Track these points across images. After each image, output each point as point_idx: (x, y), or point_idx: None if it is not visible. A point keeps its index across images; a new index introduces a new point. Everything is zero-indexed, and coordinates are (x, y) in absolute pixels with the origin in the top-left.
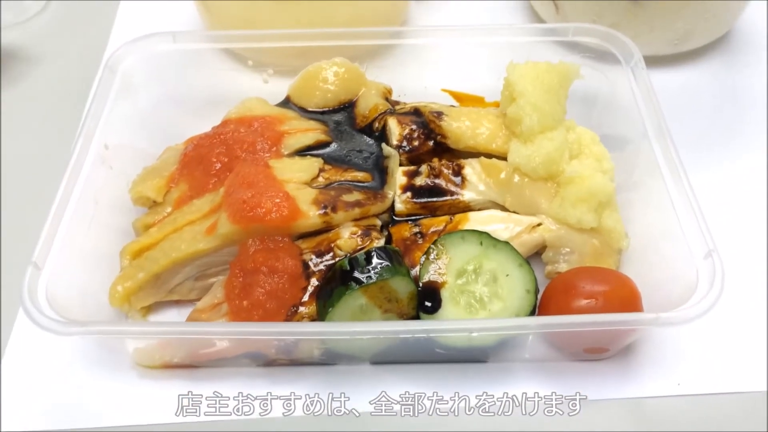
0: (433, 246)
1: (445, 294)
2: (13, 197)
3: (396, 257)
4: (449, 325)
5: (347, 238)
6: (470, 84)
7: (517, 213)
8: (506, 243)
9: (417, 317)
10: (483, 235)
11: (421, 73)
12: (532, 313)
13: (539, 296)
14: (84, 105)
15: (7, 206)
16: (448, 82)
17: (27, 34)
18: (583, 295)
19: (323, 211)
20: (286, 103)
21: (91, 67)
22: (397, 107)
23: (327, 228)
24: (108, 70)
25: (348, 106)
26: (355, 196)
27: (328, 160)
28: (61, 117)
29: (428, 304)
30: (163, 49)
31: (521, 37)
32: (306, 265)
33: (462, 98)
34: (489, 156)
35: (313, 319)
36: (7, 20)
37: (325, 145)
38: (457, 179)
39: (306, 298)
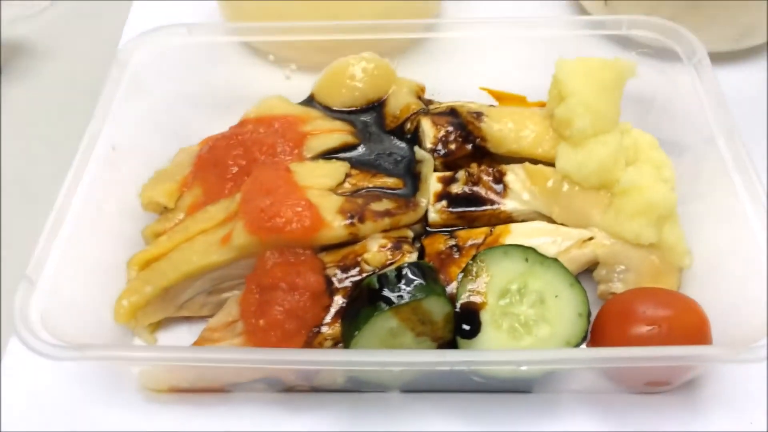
0: (472, 262)
1: (485, 317)
2: (13, 202)
3: (431, 274)
4: (493, 356)
5: (376, 251)
6: (511, 82)
7: (566, 225)
8: (555, 260)
9: (453, 341)
10: (528, 251)
11: (457, 70)
12: (584, 338)
13: (591, 320)
14: (92, 103)
15: (6, 212)
16: (486, 80)
17: (36, 27)
18: (643, 321)
19: (349, 221)
20: (310, 101)
21: (101, 62)
22: (431, 107)
23: (353, 240)
24: (117, 65)
25: (377, 106)
26: (385, 204)
27: (355, 164)
28: (68, 116)
29: (466, 327)
30: (178, 43)
31: (568, 30)
32: (329, 281)
33: (502, 97)
34: (534, 162)
35: (336, 342)
36: (15, 13)
37: (352, 147)
38: (498, 187)
39: (329, 318)
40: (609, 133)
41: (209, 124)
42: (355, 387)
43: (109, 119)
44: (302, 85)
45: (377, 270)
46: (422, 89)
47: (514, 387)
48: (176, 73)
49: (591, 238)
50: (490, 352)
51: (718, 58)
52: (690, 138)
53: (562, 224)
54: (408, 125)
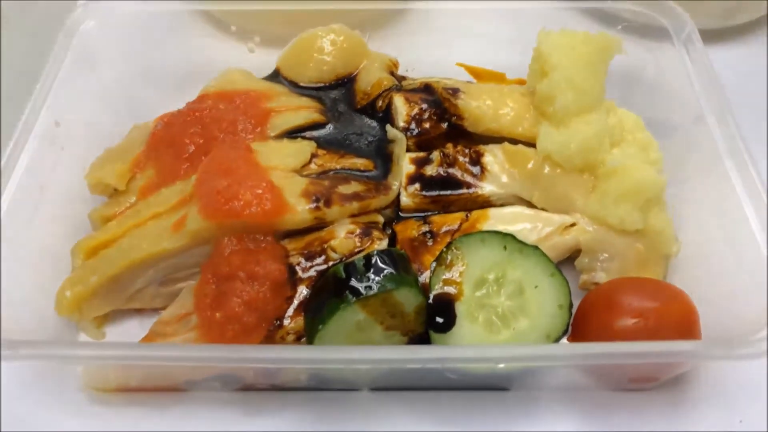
0: (446, 250)
1: (460, 308)
2: None
3: (402, 263)
4: (468, 353)
5: (343, 237)
6: (489, 58)
7: (546, 210)
8: (535, 248)
9: (425, 335)
10: (507, 238)
11: (433, 45)
12: (565, 332)
13: (573, 312)
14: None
15: None
16: (463, 56)
17: None
18: (628, 313)
19: (315, 204)
20: (275, 76)
21: (52, 32)
22: (405, 83)
23: (319, 225)
24: (64, 35)
25: (347, 81)
26: (354, 187)
27: (322, 143)
28: (13, 89)
29: (440, 320)
30: (131, 11)
31: (548, 3)
32: (293, 270)
33: (480, 74)
34: (514, 142)
35: (299, 336)
36: None
37: (319, 126)
38: (476, 169)
39: (292, 310)
40: (593, 111)
41: (165, 100)
42: (320, 385)
43: (54, 92)
44: (267, 59)
45: (344, 258)
46: (395, 64)
47: (490, 384)
48: (129, 44)
49: (573, 224)
50: (464, 348)
51: (705, 36)
52: (677, 118)
53: (542, 209)
54: (380, 102)
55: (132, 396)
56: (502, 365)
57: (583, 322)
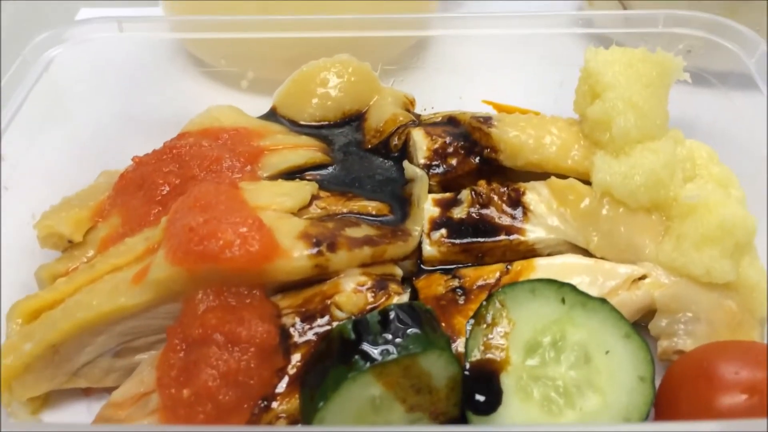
0: (486, 304)
1: (507, 382)
2: None
3: (428, 320)
4: None
5: (351, 291)
6: (518, 95)
7: (608, 260)
8: (602, 300)
9: (461, 418)
10: (565, 288)
11: (453, 80)
12: (648, 414)
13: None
14: None
15: None
16: (489, 94)
17: None
18: (735, 387)
19: (315, 249)
20: (271, 116)
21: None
22: (424, 117)
23: (320, 276)
24: (23, 62)
25: (355, 119)
26: (364, 230)
27: (325, 185)
28: None
29: (480, 398)
30: (105, 40)
31: (589, 28)
32: (285, 334)
33: (510, 112)
34: (561, 177)
35: (293, 420)
36: None
37: (323, 167)
38: (516, 211)
39: (284, 385)
40: (658, 139)
41: (143, 146)
42: None
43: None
44: (262, 99)
45: (354, 317)
46: (412, 102)
47: None
48: (102, 79)
49: (644, 276)
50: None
51: None
52: (749, 152)
53: (602, 258)
54: (395, 141)
55: None
56: None
57: (672, 401)
